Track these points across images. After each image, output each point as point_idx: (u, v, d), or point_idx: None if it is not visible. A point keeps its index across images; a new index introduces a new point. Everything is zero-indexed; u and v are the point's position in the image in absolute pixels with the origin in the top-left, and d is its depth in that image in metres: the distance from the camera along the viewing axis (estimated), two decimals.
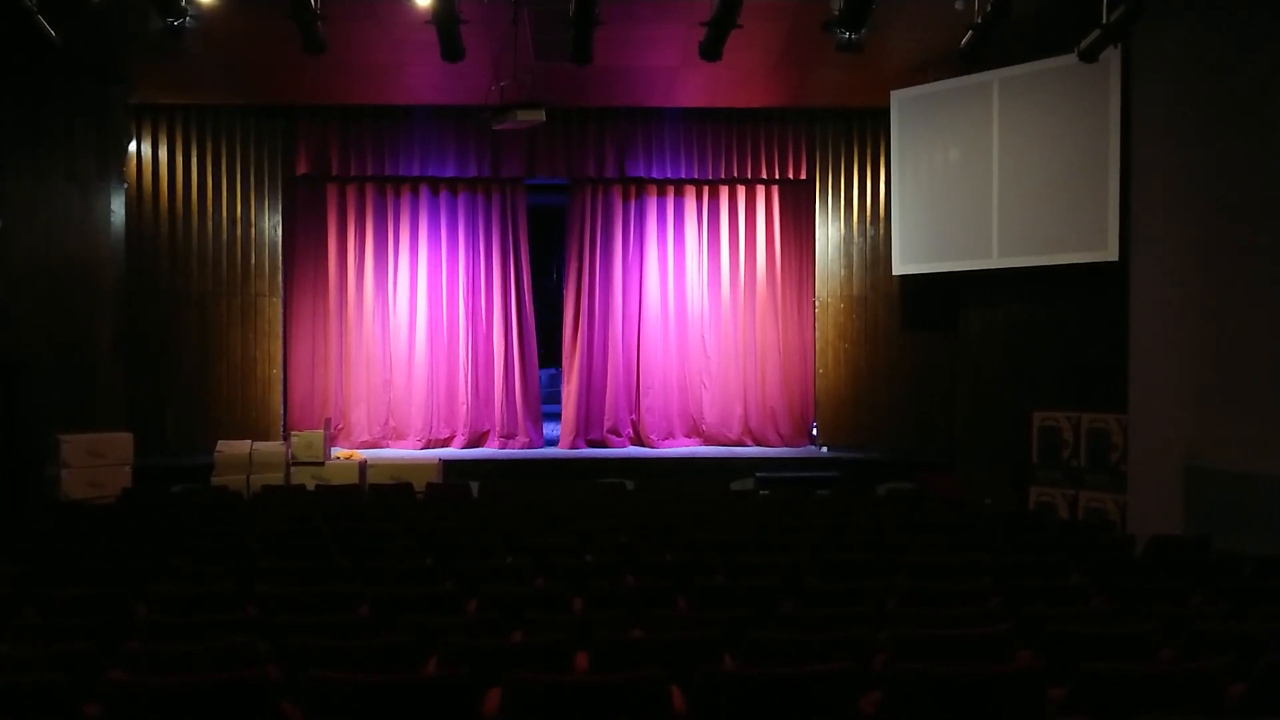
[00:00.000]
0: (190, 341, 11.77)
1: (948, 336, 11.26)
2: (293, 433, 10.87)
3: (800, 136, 12.44)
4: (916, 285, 11.58)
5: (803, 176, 12.49)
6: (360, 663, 3.67)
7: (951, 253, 10.59)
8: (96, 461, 9.54)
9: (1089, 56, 7.79)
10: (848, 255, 12.34)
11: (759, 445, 12.40)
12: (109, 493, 9.14)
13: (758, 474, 10.98)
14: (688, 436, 12.52)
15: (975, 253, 10.32)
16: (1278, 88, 7.43)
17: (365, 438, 12.17)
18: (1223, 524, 7.23)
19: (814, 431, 12.43)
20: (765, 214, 12.75)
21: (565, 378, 12.64)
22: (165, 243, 11.75)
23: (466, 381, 12.37)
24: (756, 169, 12.43)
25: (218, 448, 10.32)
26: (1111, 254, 9.17)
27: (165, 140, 11.78)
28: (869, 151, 12.26)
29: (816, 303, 12.45)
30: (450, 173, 12.23)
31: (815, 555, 5.69)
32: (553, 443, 12.61)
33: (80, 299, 10.35)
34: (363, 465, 10.49)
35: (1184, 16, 8.02)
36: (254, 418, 11.79)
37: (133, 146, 11.54)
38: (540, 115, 9.92)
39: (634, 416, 12.47)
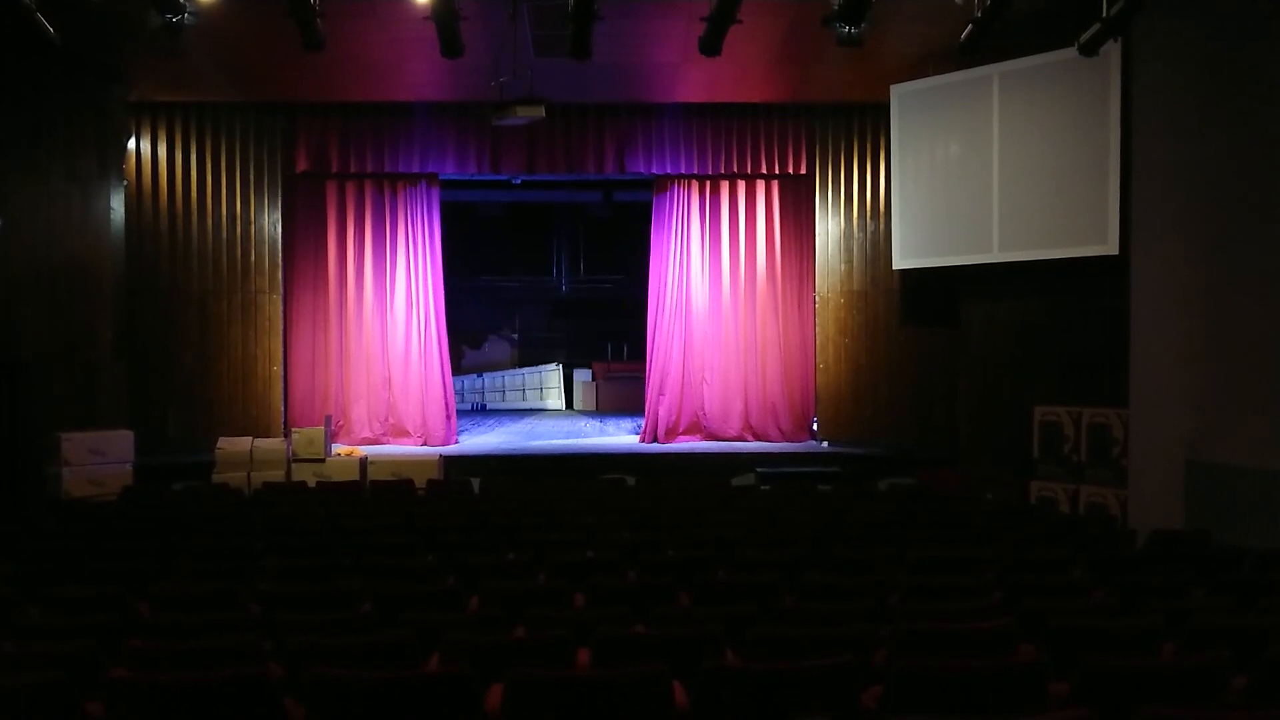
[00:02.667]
0: (191, 339, 11.78)
1: (949, 331, 11.25)
2: (293, 430, 10.88)
3: (800, 131, 12.43)
4: (917, 280, 11.58)
5: (803, 171, 12.48)
6: (362, 660, 3.67)
7: (952, 247, 10.58)
8: (97, 460, 9.54)
9: (1089, 50, 7.78)
10: (848, 250, 12.33)
11: (760, 441, 12.41)
12: (110, 491, 9.14)
13: (758, 469, 10.98)
14: (688, 432, 12.53)
15: (976, 247, 10.31)
16: (1278, 80, 7.41)
17: (366, 434, 12.17)
18: (1224, 518, 7.24)
19: (815, 427, 12.44)
20: (765, 209, 12.74)
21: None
22: (165, 240, 11.76)
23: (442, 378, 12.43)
24: (757, 164, 12.43)
25: (219, 445, 10.33)
26: (1112, 248, 9.16)
27: (165, 138, 11.78)
28: (869, 146, 12.25)
29: (817, 298, 12.45)
30: (450, 169, 12.24)
31: (816, 550, 5.69)
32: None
33: (81, 297, 10.35)
34: (364, 462, 10.49)
35: (1184, 9, 8.00)
36: (255, 415, 11.80)
37: (132, 144, 11.54)
38: (540, 111, 9.90)
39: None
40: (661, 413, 12.42)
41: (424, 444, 12.09)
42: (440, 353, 12.44)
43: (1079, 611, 4.47)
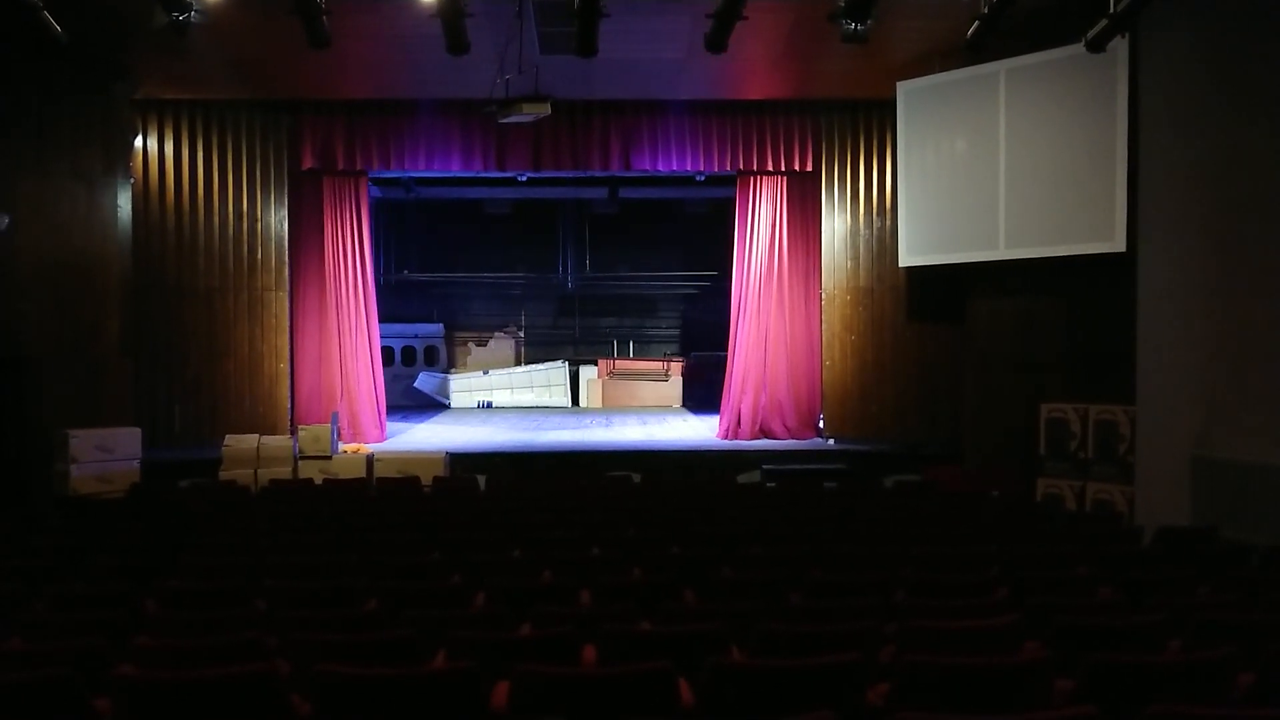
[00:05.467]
0: (197, 336, 11.81)
1: (955, 328, 11.24)
2: (300, 427, 10.88)
3: (806, 128, 12.41)
4: (923, 277, 11.55)
5: (809, 168, 12.46)
6: (368, 656, 3.67)
7: (958, 244, 10.56)
8: (105, 457, 9.57)
9: (1096, 46, 7.75)
10: (854, 247, 12.31)
11: (765, 438, 12.40)
12: (117, 488, 9.17)
13: (764, 466, 10.95)
14: (764, 429, 12.53)
15: (982, 244, 10.28)
16: None
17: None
18: (1230, 514, 7.21)
19: (820, 424, 12.42)
20: (771, 206, 12.73)
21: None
22: (172, 238, 11.79)
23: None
24: (763, 161, 12.41)
25: (225, 442, 10.35)
26: (1119, 245, 9.13)
27: (171, 135, 11.80)
28: (875, 143, 12.22)
29: (823, 295, 12.42)
30: (455, 167, 12.24)
31: (822, 547, 5.68)
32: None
33: (87, 295, 10.38)
34: (370, 459, 10.50)
35: (1191, 5, 7.96)
36: (261, 412, 11.83)
37: (138, 142, 11.57)
38: (545, 108, 9.89)
39: None
40: (745, 409, 12.42)
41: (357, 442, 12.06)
42: (372, 350, 12.42)
43: (1085, 608, 4.46)
